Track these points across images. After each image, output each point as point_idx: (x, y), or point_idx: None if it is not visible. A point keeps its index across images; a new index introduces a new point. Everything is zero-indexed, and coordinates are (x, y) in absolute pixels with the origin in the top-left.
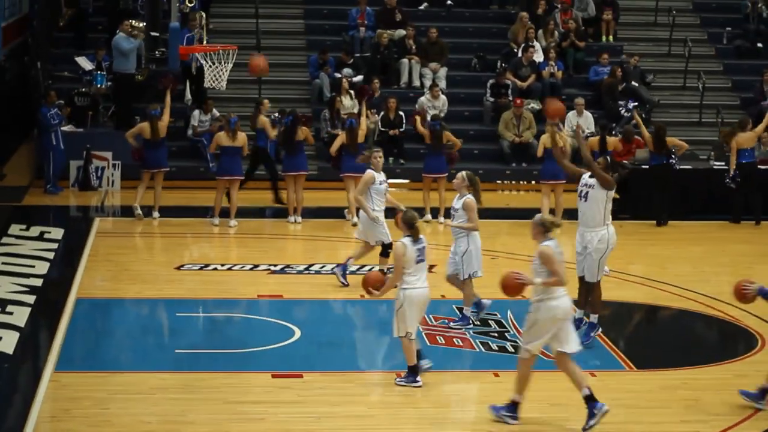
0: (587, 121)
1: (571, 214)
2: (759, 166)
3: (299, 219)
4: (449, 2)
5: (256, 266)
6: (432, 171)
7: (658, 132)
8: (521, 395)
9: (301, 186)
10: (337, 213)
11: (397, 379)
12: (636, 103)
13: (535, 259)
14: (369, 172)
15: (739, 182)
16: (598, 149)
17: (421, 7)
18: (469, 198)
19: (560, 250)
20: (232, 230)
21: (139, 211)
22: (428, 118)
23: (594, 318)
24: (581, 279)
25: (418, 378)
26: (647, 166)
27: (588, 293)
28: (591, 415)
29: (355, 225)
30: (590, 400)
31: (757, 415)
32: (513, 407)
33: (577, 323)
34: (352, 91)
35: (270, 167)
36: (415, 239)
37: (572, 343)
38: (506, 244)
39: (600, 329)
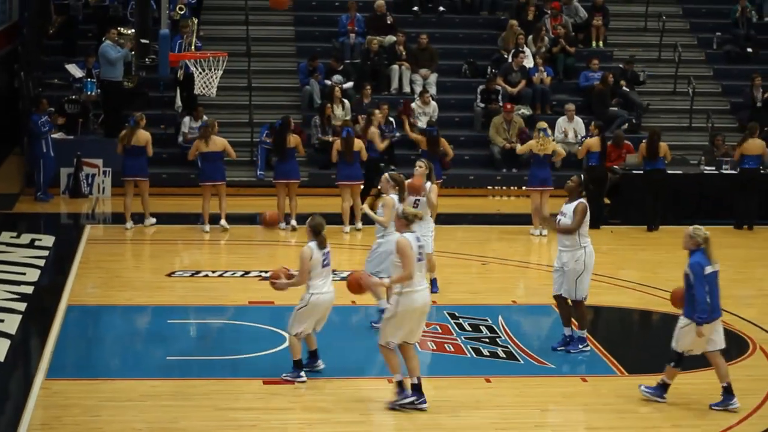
0: (578, 126)
1: None
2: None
3: (294, 223)
4: (441, 8)
5: (247, 273)
6: None
7: (652, 137)
8: (399, 374)
9: (294, 192)
10: (327, 219)
11: (283, 375)
12: None
13: (393, 252)
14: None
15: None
16: (598, 150)
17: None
18: (390, 196)
19: (421, 243)
20: (223, 236)
21: (131, 225)
22: (418, 123)
23: (582, 332)
24: (557, 297)
25: (302, 373)
26: (639, 171)
27: (565, 309)
28: (404, 396)
29: (347, 233)
30: (417, 390)
31: (749, 419)
32: (417, 390)
33: (567, 340)
34: (345, 100)
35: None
36: (321, 246)
37: (418, 335)
38: (497, 250)
39: (588, 345)
